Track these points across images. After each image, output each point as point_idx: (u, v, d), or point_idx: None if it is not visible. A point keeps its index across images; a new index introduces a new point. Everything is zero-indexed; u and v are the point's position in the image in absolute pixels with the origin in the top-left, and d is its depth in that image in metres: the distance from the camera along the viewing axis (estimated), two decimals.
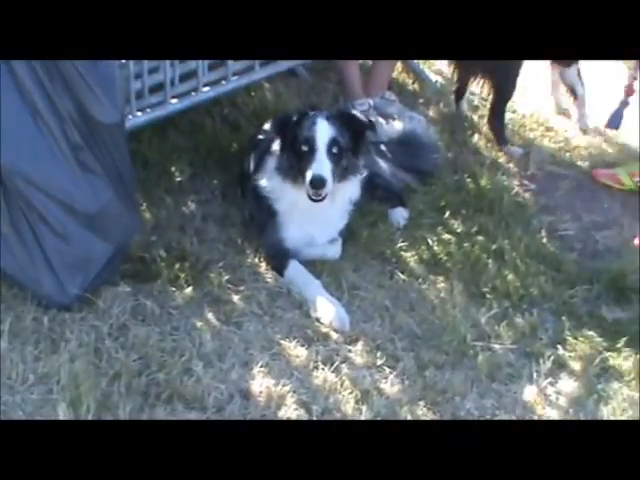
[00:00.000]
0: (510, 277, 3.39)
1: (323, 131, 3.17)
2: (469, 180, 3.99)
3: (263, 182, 3.33)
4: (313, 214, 3.27)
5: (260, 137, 3.67)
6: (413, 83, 4.78)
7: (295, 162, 3.21)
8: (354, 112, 3.52)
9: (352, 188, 3.36)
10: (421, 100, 4.63)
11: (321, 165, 3.12)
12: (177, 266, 3.13)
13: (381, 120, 4.30)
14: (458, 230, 3.68)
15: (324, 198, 3.16)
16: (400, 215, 3.75)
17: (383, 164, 3.96)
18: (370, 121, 3.42)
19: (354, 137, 3.27)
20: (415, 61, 4.92)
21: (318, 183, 3.08)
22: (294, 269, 3.23)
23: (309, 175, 3.09)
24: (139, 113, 3.49)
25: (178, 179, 3.69)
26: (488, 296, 3.27)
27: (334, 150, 3.18)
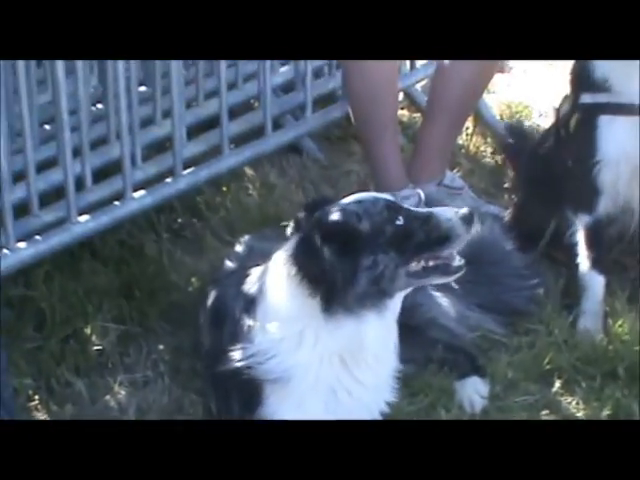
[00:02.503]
0: None
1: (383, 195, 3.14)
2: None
3: (248, 355, 3.07)
4: (343, 376, 3.10)
5: (227, 266, 3.47)
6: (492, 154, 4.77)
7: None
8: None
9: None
10: (506, 183, 4.56)
11: (448, 207, 3.12)
12: None
13: None
14: (577, 415, 3.47)
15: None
16: (474, 391, 3.53)
17: (443, 302, 3.70)
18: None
19: None
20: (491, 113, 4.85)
21: (472, 215, 3.06)
22: None
23: (453, 223, 3.04)
24: (21, 244, 3.52)
25: (96, 347, 3.59)
26: None
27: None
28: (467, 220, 3.02)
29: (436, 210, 3.05)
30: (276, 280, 3.03)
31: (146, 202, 3.78)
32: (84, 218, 3.62)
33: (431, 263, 3.05)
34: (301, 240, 3.00)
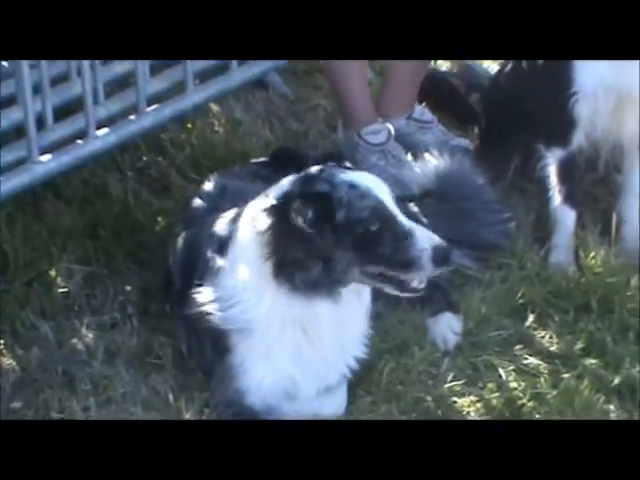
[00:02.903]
0: None
1: (381, 187, 3.02)
2: None
3: (212, 299, 3.08)
4: (303, 342, 3.11)
5: (197, 207, 3.45)
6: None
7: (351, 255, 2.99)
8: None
9: (366, 298, 3.20)
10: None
11: (425, 231, 3.01)
12: None
13: (408, 158, 4.13)
14: (551, 349, 3.50)
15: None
16: (447, 328, 3.55)
17: None
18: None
19: None
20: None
21: (447, 253, 2.99)
22: None
23: (423, 254, 2.96)
24: None
25: (61, 289, 3.56)
26: None
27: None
28: (439, 257, 2.95)
29: (417, 232, 2.96)
30: (246, 232, 3.02)
31: (110, 140, 3.70)
32: (46, 158, 3.55)
33: (390, 273, 3.01)
34: (279, 201, 2.96)
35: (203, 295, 3.08)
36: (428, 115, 4.30)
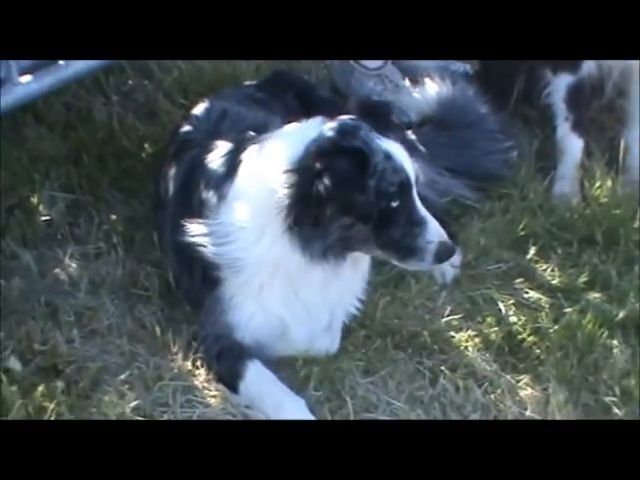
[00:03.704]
0: None
1: (410, 166, 3.02)
2: None
3: (214, 243, 3.08)
4: (293, 292, 3.13)
5: (188, 132, 3.39)
6: None
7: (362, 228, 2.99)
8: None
9: None
10: None
11: (437, 224, 3.02)
12: (40, 388, 2.97)
13: (406, 83, 4.09)
14: (553, 282, 3.50)
15: None
16: None
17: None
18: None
19: None
20: None
21: (449, 252, 3.04)
22: (256, 379, 3.10)
23: (429, 247, 3.00)
24: None
25: (44, 217, 3.52)
26: (616, 411, 3.10)
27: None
28: (442, 254, 2.97)
29: (430, 223, 2.98)
30: (249, 171, 2.99)
31: (93, 62, 3.60)
32: (26, 79, 3.46)
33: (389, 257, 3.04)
34: (306, 149, 2.91)
35: (197, 227, 3.07)
36: None
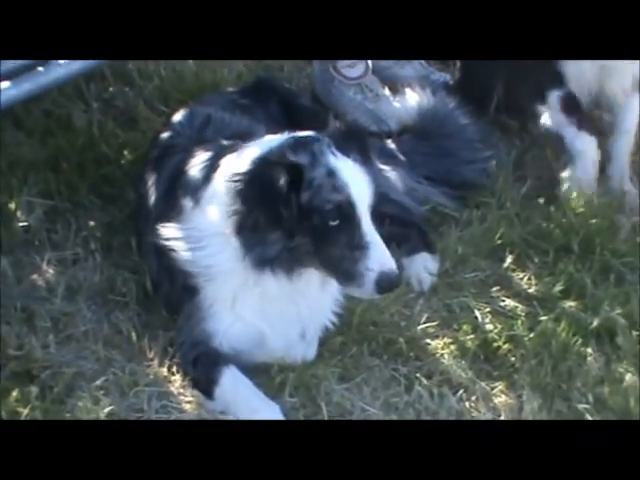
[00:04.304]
0: (628, 380, 3.23)
1: (357, 186, 2.96)
2: (546, 199, 3.83)
3: (184, 248, 3.11)
4: (274, 306, 3.15)
5: (169, 138, 3.41)
6: None
7: (303, 246, 2.99)
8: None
9: None
10: None
11: (383, 250, 2.94)
12: (14, 393, 2.98)
13: (385, 93, 4.14)
14: (529, 291, 3.54)
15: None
16: (423, 268, 3.58)
17: (392, 175, 3.72)
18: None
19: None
20: None
21: (392, 284, 2.96)
22: (231, 385, 3.10)
23: (369, 274, 2.93)
24: None
25: (21, 223, 3.56)
26: (589, 417, 3.12)
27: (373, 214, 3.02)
28: (383, 284, 2.91)
29: (374, 249, 2.91)
30: (222, 179, 3.01)
31: (73, 68, 3.60)
32: (5, 85, 3.45)
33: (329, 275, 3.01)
34: (257, 159, 2.95)
35: (170, 231, 3.09)
36: None
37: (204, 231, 3.05)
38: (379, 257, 2.91)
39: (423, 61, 4.27)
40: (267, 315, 3.12)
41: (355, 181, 2.92)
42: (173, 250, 3.09)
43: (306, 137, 2.97)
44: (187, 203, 3.11)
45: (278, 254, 2.94)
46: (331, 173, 2.90)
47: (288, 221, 2.89)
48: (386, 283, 2.91)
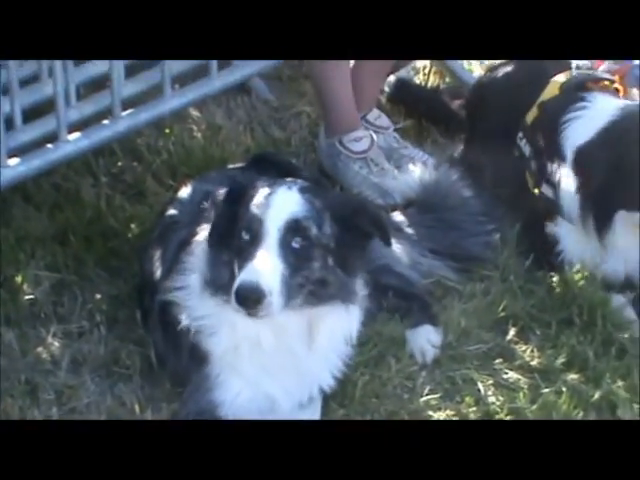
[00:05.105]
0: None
1: (279, 207, 2.96)
2: (550, 272, 3.80)
3: (182, 300, 3.16)
4: (276, 360, 3.13)
5: (174, 214, 3.45)
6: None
7: (230, 264, 3.02)
8: (360, 200, 3.37)
9: (344, 320, 3.15)
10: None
11: (259, 263, 2.88)
12: None
13: (390, 166, 4.16)
14: (532, 363, 3.53)
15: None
16: (426, 340, 3.57)
17: (396, 248, 3.70)
18: (383, 222, 3.16)
19: (351, 237, 3.05)
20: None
21: (247, 294, 2.87)
22: None
23: (236, 282, 2.89)
24: None
25: (28, 296, 3.58)
26: None
27: (295, 243, 2.94)
28: (240, 292, 2.86)
29: (254, 262, 2.87)
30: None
31: (82, 145, 3.68)
32: (14, 161, 3.55)
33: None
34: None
35: (180, 299, 3.15)
36: (384, 120, 4.28)
37: (202, 294, 3.08)
38: (248, 269, 2.87)
39: (397, 135, 4.29)
40: (271, 371, 3.11)
41: (278, 206, 2.92)
42: (183, 316, 3.12)
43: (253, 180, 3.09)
44: (182, 260, 3.16)
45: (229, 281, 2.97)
46: (264, 196, 2.94)
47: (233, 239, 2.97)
48: (242, 292, 2.84)
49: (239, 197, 3.01)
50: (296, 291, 2.94)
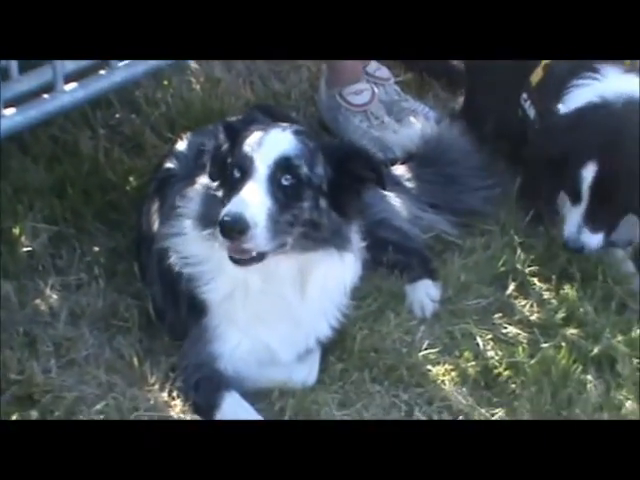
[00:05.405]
0: (628, 407, 3.25)
1: (270, 146, 2.98)
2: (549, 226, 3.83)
3: (178, 245, 3.17)
4: (269, 308, 3.13)
5: (171, 166, 3.45)
6: None
7: (222, 201, 3.04)
8: (357, 146, 3.29)
9: (338, 268, 3.13)
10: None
11: (245, 195, 2.89)
12: (14, 417, 3.01)
13: (391, 120, 4.16)
14: (531, 318, 3.54)
15: (254, 259, 2.93)
16: (425, 295, 3.59)
17: (395, 202, 3.73)
18: (379, 166, 3.13)
19: (345, 181, 3.04)
20: None
21: (231, 224, 2.84)
22: (232, 409, 3.10)
23: (221, 213, 2.89)
24: None
25: (26, 248, 3.57)
26: None
27: (284, 180, 2.96)
28: (223, 223, 2.83)
29: (239, 195, 2.88)
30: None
31: (78, 95, 3.64)
32: (10, 111, 3.49)
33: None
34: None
35: (175, 245, 3.16)
36: (384, 72, 4.28)
37: (195, 236, 3.10)
38: (234, 201, 2.87)
39: (398, 88, 4.29)
40: (265, 320, 3.13)
41: (270, 144, 2.94)
42: (178, 263, 3.13)
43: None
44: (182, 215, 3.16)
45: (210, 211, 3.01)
46: (257, 136, 2.96)
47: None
48: (226, 223, 2.82)
49: (235, 136, 3.03)
50: (285, 229, 2.93)
